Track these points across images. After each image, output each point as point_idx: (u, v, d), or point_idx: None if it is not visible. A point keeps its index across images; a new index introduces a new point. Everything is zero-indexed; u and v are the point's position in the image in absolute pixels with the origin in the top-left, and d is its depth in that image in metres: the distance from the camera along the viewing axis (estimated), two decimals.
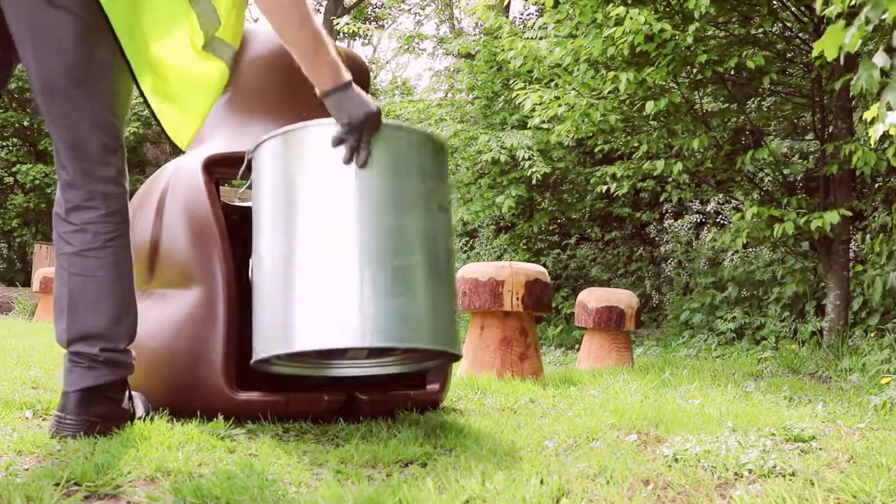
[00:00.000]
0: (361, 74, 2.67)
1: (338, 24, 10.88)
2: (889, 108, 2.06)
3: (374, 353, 2.01)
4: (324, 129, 1.77)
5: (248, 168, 1.97)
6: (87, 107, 1.69)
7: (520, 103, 6.36)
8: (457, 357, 1.92)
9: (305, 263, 1.73)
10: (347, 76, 1.78)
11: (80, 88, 1.67)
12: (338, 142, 1.76)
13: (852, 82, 2.14)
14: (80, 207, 1.69)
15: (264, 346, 1.78)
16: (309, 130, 1.80)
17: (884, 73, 2.05)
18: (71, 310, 1.68)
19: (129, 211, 1.78)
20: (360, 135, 1.74)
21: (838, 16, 2.29)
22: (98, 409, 1.68)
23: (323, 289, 1.71)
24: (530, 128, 7.91)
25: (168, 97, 1.77)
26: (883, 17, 1.91)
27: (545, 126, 7.52)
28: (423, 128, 1.93)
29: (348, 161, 1.75)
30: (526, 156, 7.69)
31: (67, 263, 1.69)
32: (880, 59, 2.02)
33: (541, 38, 6.40)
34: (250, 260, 1.90)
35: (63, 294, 1.69)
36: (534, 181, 8.08)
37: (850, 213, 5.08)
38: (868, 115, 2.21)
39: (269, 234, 1.83)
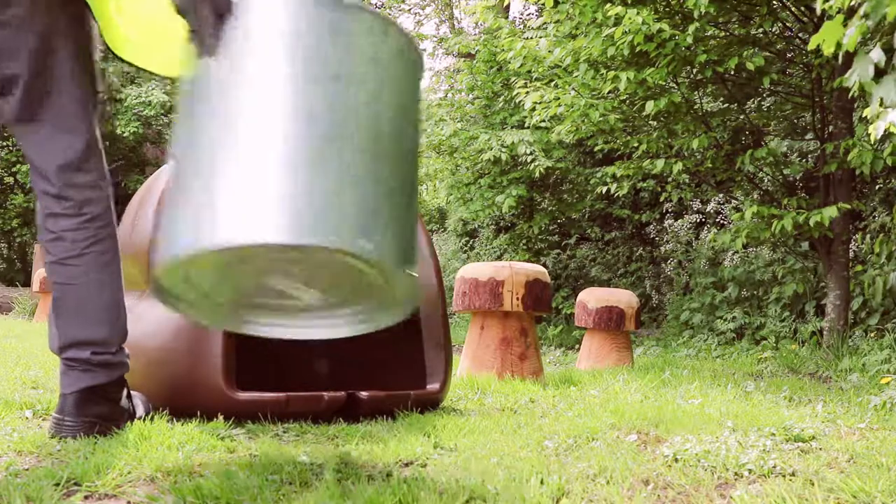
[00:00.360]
0: None
1: None
2: (882, 105, 2.06)
3: (322, 287, 1.48)
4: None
5: None
6: (51, 129, 1.65)
7: (520, 102, 6.36)
8: (407, 280, 1.36)
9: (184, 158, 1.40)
10: None
11: (38, 120, 1.64)
12: (190, 37, 1.44)
13: (846, 76, 2.14)
14: (56, 215, 1.67)
15: (152, 257, 1.38)
16: None
17: (878, 69, 2.05)
18: (58, 317, 1.69)
19: (111, 213, 1.74)
20: (198, 20, 1.41)
21: (838, 12, 2.29)
22: (96, 409, 1.69)
23: (193, 181, 1.35)
24: (528, 127, 7.91)
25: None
26: (885, 11, 1.91)
27: (545, 125, 7.53)
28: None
29: (199, 54, 1.41)
30: (528, 151, 7.68)
31: (50, 272, 1.69)
32: (876, 54, 2.02)
33: (540, 38, 6.39)
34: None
35: (52, 301, 1.71)
36: (536, 175, 8.07)
37: (848, 207, 5.08)
38: (867, 112, 2.21)
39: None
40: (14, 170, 13.40)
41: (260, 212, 1.26)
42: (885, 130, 2.11)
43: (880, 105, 2.08)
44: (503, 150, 7.86)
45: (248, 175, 1.29)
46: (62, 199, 1.67)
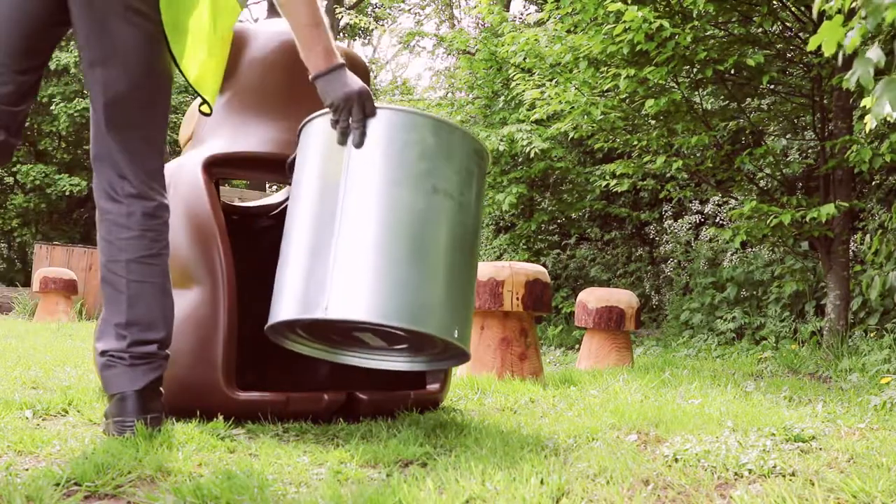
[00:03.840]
0: (362, 74, 2.67)
1: (340, 15, 10.84)
2: (879, 101, 2.06)
3: (385, 338, 1.91)
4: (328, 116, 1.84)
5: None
6: (152, 119, 1.78)
7: (518, 94, 6.35)
8: (461, 352, 1.87)
9: (301, 237, 1.80)
10: (339, 60, 1.83)
11: (146, 106, 1.76)
12: (333, 124, 1.80)
13: (846, 76, 2.14)
14: (146, 216, 1.75)
15: (269, 316, 1.84)
16: (316, 119, 1.88)
17: (878, 69, 2.05)
18: (130, 314, 1.73)
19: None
20: (348, 114, 1.78)
21: (837, 12, 2.29)
22: (157, 404, 1.73)
23: (309, 262, 1.75)
24: (524, 121, 7.91)
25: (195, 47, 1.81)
26: (884, 14, 1.91)
27: (545, 124, 7.53)
28: (437, 114, 1.98)
29: (340, 142, 1.79)
30: (525, 139, 7.67)
31: (125, 270, 1.73)
32: (874, 53, 2.02)
33: (541, 32, 6.40)
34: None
35: (120, 300, 1.73)
36: (532, 156, 8.04)
37: (846, 205, 5.08)
38: (865, 102, 2.21)
39: (289, 209, 1.89)
40: (14, 170, 13.40)
41: (386, 298, 1.69)
42: (883, 119, 2.11)
43: (874, 99, 2.08)
44: (501, 141, 7.85)
45: (386, 267, 1.71)
46: (146, 200, 1.76)
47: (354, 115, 1.78)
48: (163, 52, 1.76)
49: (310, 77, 1.84)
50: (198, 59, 1.80)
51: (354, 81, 1.81)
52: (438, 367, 2.01)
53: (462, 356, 1.90)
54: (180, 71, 1.79)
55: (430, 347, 1.94)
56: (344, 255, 1.70)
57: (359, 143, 1.77)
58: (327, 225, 1.75)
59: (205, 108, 1.88)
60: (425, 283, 1.74)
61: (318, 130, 1.87)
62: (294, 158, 1.99)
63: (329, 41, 1.82)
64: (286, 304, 1.75)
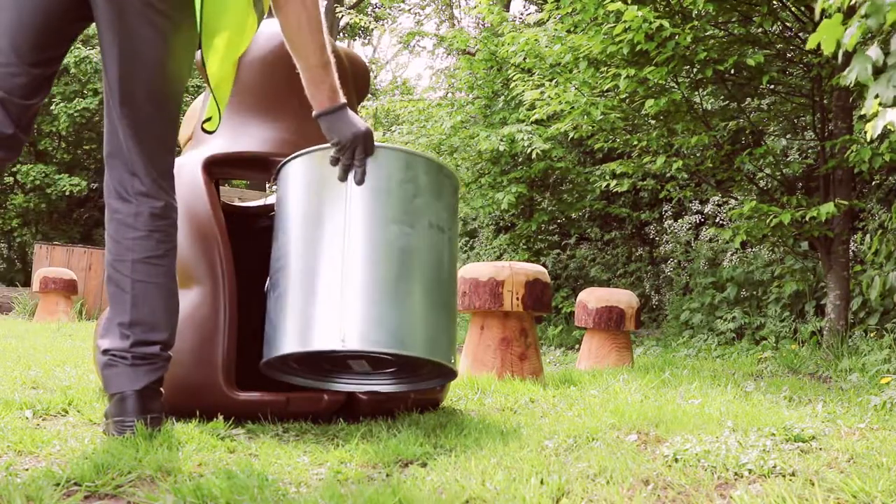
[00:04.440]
0: (362, 74, 2.67)
1: (340, 14, 10.83)
2: (879, 103, 2.06)
3: (373, 363, 2.03)
4: (328, 152, 1.92)
5: (275, 180, 2.11)
6: (166, 118, 1.78)
7: (518, 95, 6.35)
8: (451, 373, 2.00)
9: (301, 273, 1.89)
10: (343, 99, 1.90)
11: (161, 105, 1.76)
12: (334, 161, 1.89)
13: (844, 73, 2.14)
14: (154, 216, 1.75)
15: (265, 350, 1.91)
16: (318, 153, 1.96)
17: (876, 67, 2.05)
18: (134, 314, 1.73)
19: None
20: (352, 153, 1.87)
21: (837, 10, 2.29)
22: (157, 405, 1.73)
23: (311, 295, 1.86)
24: (524, 121, 7.91)
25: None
26: (886, 13, 1.91)
27: (545, 124, 7.52)
28: (426, 153, 2.10)
29: (342, 178, 1.89)
30: (525, 139, 7.67)
31: (131, 270, 1.74)
32: (874, 52, 2.02)
33: (541, 32, 6.39)
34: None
35: (124, 299, 1.74)
36: (533, 157, 8.05)
37: (846, 204, 5.08)
38: (865, 110, 2.21)
39: (279, 244, 1.97)
40: (14, 170, 13.39)
41: (377, 327, 1.82)
42: (884, 129, 2.11)
43: (878, 103, 2.08)
44: (501, 141, 7.85)
45: (379, 298, 1.83)
46: (155, 199, 1.76)
47: (358, 154, 1.87)
48: (179, 52, 1.76)
49: (314, 114, 1.90)
50: (219, 74, 1.81)
51: (360, 121, 1.89)
52: (428, 386, 2.11)
53: (451, 374, 2.02)
54: (208, 84, 1.79)
55: (419, 368, 2.05)
56: (354, 291, 1.82)
57: (360, 181, 1.87)
58: (333, 261, 1.85)
59: (209, 126, 1.88)
60: (431, 314, 1.91)
61: (307, 168, 1.97)
62: (274, 180, 2.08)
63: (335, 80, 1.88)
64: (292, 338, 1.84)
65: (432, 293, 1.92)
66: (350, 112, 1.90)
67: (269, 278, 1.99)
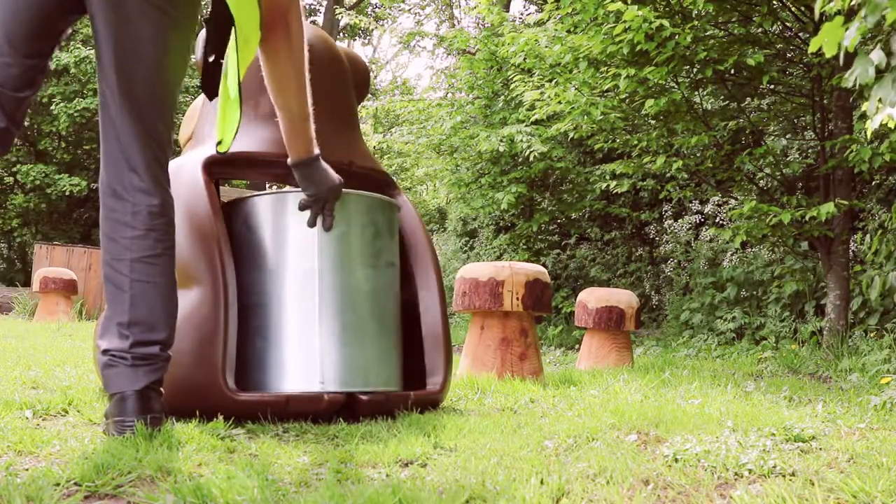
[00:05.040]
0: (362, 75, 2.67)
1: (340, 15, 10.83)
2: (880, 103, 2.06)
3: None
4: (298, 196, 2.09)
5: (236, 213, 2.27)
6: (162, 113, 1.77)
7: (518, 95, 6.35)
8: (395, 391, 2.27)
9: (280, 313, 2.11)
10: (317, 150, 1.98)
11: (157, 101, 1.75)
12: (303, 207, 2.02)
13: (846, 75, 2.14)
14: (151, 214, 1.74)
15: (255, 377, 2.16)
16: (288, 196, 2.15)
17: (878, 69, 2.05)
18: (133, 314, 1.73)
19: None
20: (324, 203, 2.02)
21: (837, 13, 2.29)
22: (157, 405, 1.73)
23: (287, 338, 2.09)
24: (524, 121, 7.91)
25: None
26: (884, 12, 1.91)
27: (545, 124, 7.52)
28: (380, 196, 2.31)
29: (312, 225, 2.04)
30: (525, 140, 7.67)
31: (129, 269, 1.73)
32: (876, 55, 2.02)
33: (541, 32, 6.39)
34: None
35: (123, 299, 1.73)
36: (535, 172, 8.06)
37: (846, 203, 5.08)
38: (865, 107, 2.21)
39: (255, 279, 2.16)
40: (14, 170, 13.40)
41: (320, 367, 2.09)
42: (881, 124, 2.11)
43: (879, 103, 2.07)
44: (501, 141, 7.85)
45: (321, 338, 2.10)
46: (152, 196, 1.75)
47: (328, 206, 2.03)
48: (176, 47, 1.75)
49: (289, 161, 1.97)
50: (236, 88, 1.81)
51: (333, 174, 2.03)
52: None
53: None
54: (239, 87, 1.77)
55: None
56: (329, 333, 2.08)
57: (328, 228, 2.06)
58: (309, 303, 2.09)
59: (221, 148, 1.88)
60: (388, 345, 2.22)
61: (277, 209, 2.16)
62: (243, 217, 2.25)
63: (313, 132, 1.95)
64: (274, 377, 2.10)
65: (387, 326, 2.22)
66: (324, 163, 2.00)
67: (244, 306, 2.13)
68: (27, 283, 12.50)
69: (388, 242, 2.25)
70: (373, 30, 11.92)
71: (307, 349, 2.07)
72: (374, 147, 11.31)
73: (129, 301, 1.72)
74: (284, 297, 2.10)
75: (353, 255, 2.14)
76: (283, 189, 2.19)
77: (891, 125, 2.04)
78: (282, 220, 2.15)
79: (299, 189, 2.04)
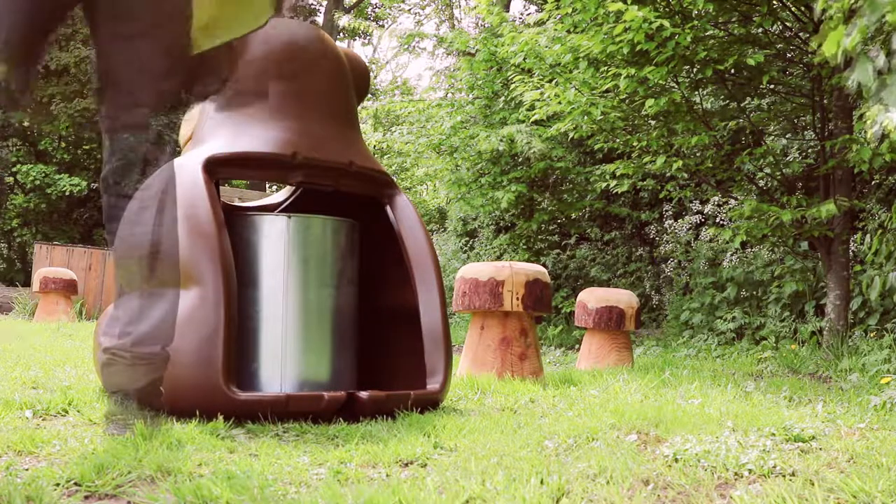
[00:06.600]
0: (361, 75, 2.67)
1: (339, 18, 10.84)
2: (881, 105, 2.06)
3: None
4: (273, 219, 2.32)
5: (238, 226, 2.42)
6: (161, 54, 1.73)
7: (518, 96, 6.34)
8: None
9: (258, 318, 2.30)
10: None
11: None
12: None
13: (845, 76, 2.14)
14: (158, 210, 1.76)
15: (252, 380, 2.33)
16: (264, 219, 2.34)
17: (879, 72, 2.04)
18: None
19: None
20: None
21: (839, 12, 2.29)
22: (158, 401, 1.74)
23: (258, 349, 2.28)
24: (524, 121, 7.91)
25: None
26: (883, 12, 1.91)
27: (545, 124, 7.52)
28: (344, 219, 2.46)
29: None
30: (525, 140, 7.67)
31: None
32: (880, 60, 2.01)
33: (541, 32, 6.39)
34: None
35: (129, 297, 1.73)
36: (535, 172, 8.05)
37: (846, 203, 5.08)
38: (865, 109, 2.21)
39: (254, 293, 2.32)
40: (14, 170, 13.39)
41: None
42: (883, 128, 2.10)
43: (881, 104, 2.07)
44: (501, 141, 7.85)
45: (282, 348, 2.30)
46: (159, 140, 1.78)
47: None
48: None
49: None
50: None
51: None
52: None
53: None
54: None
55: None
56: (294, 345, 2.29)
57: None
58: (278, 312, 2.29)
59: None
60: (348, 356, 2.43)
61: (252, 229, 2.33)
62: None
63: None
64: (262, 379, 2.29)
65: (346, 339, 2.42)
66: None
67: (247, 314, 2.29)
68: (27, 283, 12.49)
69: (350, 262, 2.45)
70: (372, 31, 11.93)
71: (273, 358, 2.28)
72: (374, 147, 11.31)
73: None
74: (259, 311, 2.30)
75: (315, 274, 2.34)
76: (259, 212, 2.40)
77: (890, 128, 2.03)
78: (258, 240, 2.33)
79: (276, 213, 2.25)
